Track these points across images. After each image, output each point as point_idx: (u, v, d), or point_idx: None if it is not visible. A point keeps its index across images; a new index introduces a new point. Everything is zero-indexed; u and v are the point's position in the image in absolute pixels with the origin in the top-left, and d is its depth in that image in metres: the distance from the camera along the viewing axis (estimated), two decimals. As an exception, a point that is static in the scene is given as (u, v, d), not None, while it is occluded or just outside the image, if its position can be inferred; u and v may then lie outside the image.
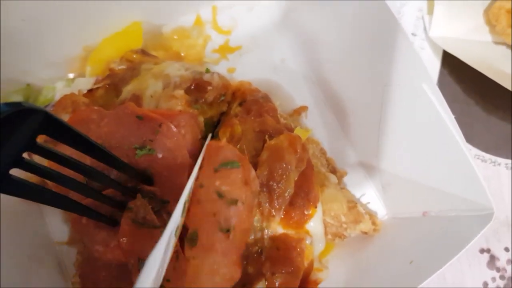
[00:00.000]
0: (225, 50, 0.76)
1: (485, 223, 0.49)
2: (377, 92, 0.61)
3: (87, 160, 0.43)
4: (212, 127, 0.63)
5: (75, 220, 0.52)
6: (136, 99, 0.58)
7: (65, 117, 0.57)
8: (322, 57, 0.73)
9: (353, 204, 0.61)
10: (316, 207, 0.57)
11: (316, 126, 0.72)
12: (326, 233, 0.60)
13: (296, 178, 0.55)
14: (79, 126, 0.52)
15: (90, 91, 0.62)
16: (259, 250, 0.53)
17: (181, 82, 0.60)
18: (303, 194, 0.55)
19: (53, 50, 0.65)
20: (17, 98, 0.66)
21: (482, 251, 0.72)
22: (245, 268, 0.51)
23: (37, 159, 0.41)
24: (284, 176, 0.53)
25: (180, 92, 0.58)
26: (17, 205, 0.58)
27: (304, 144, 0.58)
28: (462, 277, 0.70)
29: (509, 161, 0.77)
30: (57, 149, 0.39)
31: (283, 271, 0.51)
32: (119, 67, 0.65)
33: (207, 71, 0.63)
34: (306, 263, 0.55)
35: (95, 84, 0.64)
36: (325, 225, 0.59)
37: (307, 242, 0.56)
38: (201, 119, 0.59)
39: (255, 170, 0.53)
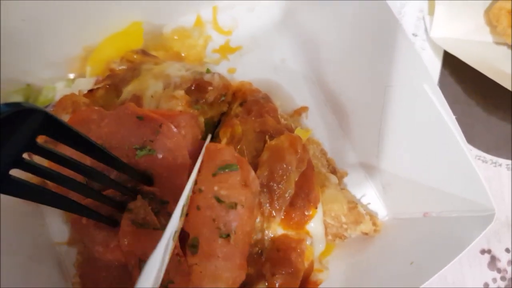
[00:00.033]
0: (226, 50, 0.75)
1: (486, 224, 0.49)
2: (378, 92, 0.61)
3: (87, 160, 0.43)
4: (213, 128, 0.63)
5: (75, 221, 0.52)
6: (137, 99, 0.58)
7: (65, 118, 0.57)
8: (323, 57, 0.73)
9: (353, 204, 0.61)
10: (316, 208, 0.57)
11: (316, 127, 0.72)
12: (326, 234, 0.59)
13: (296, 179, 0.55)
14: (79, 126, 0.52)
15: (90, 91, 0.62)
16: (259, 251, 0.53)
17: (182, 82, 0.60)
18: (304, 195, 0.55)
19: (53, 50, 0.65)
20: (17, 98, 0.66)
21: (483, 252, 0.72)
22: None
23: (37, 159, 0.41)
24: (285, 177, 0.53)
25: (180, 93, 0.58)
26: (17, 205, 0.58)
27: (305, 145, 0.58)
28: (463, 278, 0.70)
29: (509, 161, 0.77)
30: (57, 150, 0.39)
31: (283, 272, 0.51)
32: (120, 68, 0.65)
33: (208, 71, 0.63)
34: (306, 264, 0.55)
35: (95, 84, 0.64)
36: (326, 225, 0.59)
37: (307, 243, 0.56)
38: (202, 119, 0.59)
39: (256, 170, 0.53)
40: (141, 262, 0.46)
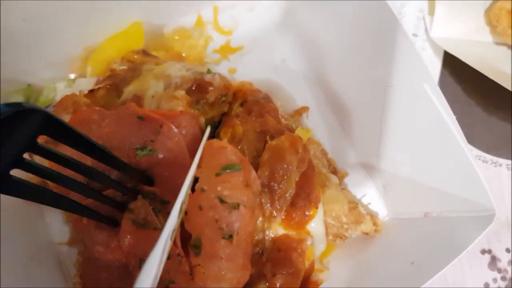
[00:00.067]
0: (226, 50, 0.75)
1: (487, 224, 0.49)
2: (378, 92, 0.61)
3: (87, 160, 0.43)
4: (213, 128, 0.63)
5: (76, 221, 0.52)
6: (137, 99, 0.58)
7: (66, 118, 0.57)
8: (323, 57, 0.73)
9: (354, 204, 0.61)
10: (317, 208, 0.57)
11: (317, 127, 0.72)
12: (327, 234, 0.59)
13: (297, 179, 0.55)
14: (80, 126, 0.52)
15: (91, 91, 0.62)
16: (260, 251, 0.53)
17: (182, 82, 0.60)
18: (304, 195, 0.55)
19: (54, 50, 0.65)
20: (17, 98, 0.66)
21: (483, 252, 0.72)
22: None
23: (38, 159, 0.41)
24: (285, 177, 0.53)
25: (181, 93, 0.58)
26: (17, 206, 0.58)
27: (305, 145, 0.58)
28: (463, 278, 0.70)
29: (509, 161, 0.77)
30: (58, 150, 0.39)
31: (284, 272, 0.51)
32: (120, 68, 0.65)
33: (208, 71, 0.63)
34: (307, 264, 0.55)
35: (96, 84, 0.64)
36: (326, 225, 0.59)
37: (308, 243, 0.56)
38: (202, 119, 0.59)
39: (256, 170, 0.53)
40: (142, 262, 0.46)
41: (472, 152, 0.67)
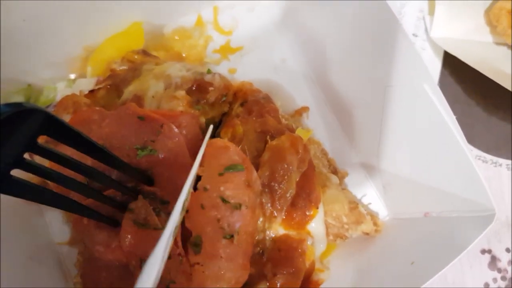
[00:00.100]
0: (226, 50, 0.75)
1: (487, 224, 0.49)
2: (378, 92, 0.61)
3: (88, 160, 0.43)
4: (214, 128, 0.63)
5: (76, 221, 0.52)
6: (138, 99, 0.58)
7: (66, 118, 0.57)
8: (323, 57, 0.73)
9: (354, 204, 0.61)
10: (317, 208, 0.57)
11: (317, 127, 0.72)
12: (327, 234, 0.59)
13: (297, 179, 0.55)
14: (80, 126, 0.52)
15: (91, 91, 0.62)
16: (261, 251, 0.53)
17: (183, 82, 0.60)
18: (305, 195, 0.55)
19: (54, 50, 0.65)
20: (18, 98, 0.66)
21: (483, 251, 0.72)
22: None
23: (38, 159, 0.41)
24: (286, 177, 0.53)
25: (181, 93, 0.58)
26: (17, 206, 0.58)
27: (306, 145, 0.58)
28: (463, 278, 0.70)
29: (509, 161, 0.77)
30: (58, 150, 0.39)
31: (284, 272, 0.51)
32: (120, 68, 0.65)
33: (209, 71, 0.63)
34: (307, 264, 0.55)
35: (96, 84, 0.64)
36: (327, 225, 0.59)
37: (308, 243, 0.56)
38: (203, 119, 0.59)
39: (257, 170, 0.53)
40: (143, 262, 0.46)
41: (472, 152, 0.67)
